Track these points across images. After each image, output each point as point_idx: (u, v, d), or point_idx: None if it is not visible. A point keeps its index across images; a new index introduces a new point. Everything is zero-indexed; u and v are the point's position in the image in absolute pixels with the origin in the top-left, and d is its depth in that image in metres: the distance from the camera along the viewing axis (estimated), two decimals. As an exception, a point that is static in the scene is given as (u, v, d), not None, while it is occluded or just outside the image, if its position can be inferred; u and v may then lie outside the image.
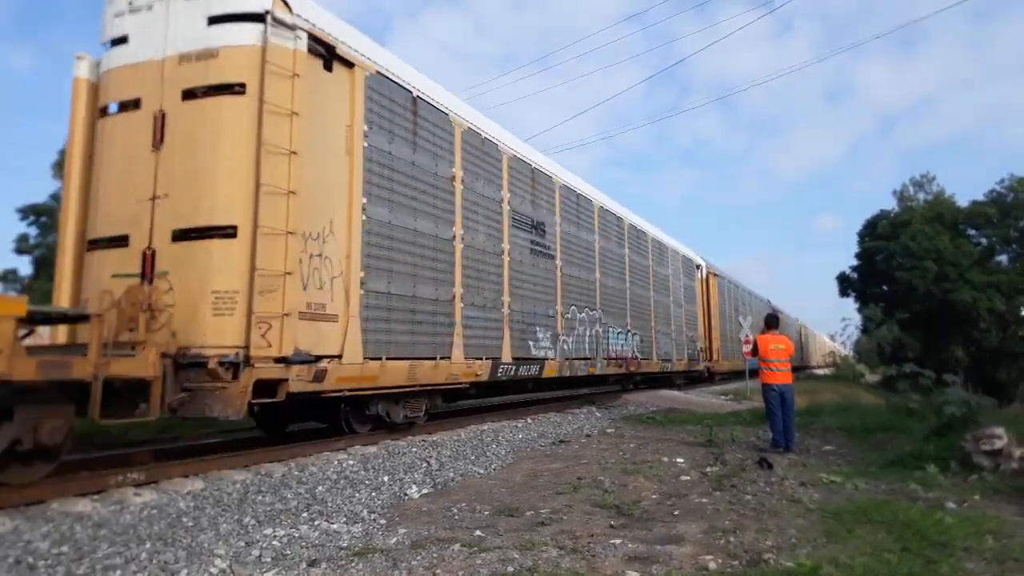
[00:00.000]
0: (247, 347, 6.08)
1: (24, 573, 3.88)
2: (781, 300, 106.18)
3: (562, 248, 12.95)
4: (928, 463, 6.95)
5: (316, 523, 5.04)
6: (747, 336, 20.78)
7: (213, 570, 4.00)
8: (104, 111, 7.10)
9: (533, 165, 12.20)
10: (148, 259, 6.43)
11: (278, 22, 6.61)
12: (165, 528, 4.74)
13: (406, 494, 6.12)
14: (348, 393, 7.45)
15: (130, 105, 6.85)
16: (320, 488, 6.07)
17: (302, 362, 6.53)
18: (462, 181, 9.65)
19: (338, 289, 7.18)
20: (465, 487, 6.50)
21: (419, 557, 4.18)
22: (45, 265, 23.94)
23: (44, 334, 6.95)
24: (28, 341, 5.66)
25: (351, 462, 7.03)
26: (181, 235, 6.37)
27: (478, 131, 10.30)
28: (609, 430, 11.06)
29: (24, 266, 28.87)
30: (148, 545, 4.35)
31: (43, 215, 25.77)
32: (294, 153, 6.53)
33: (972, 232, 43.14)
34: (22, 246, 26.48)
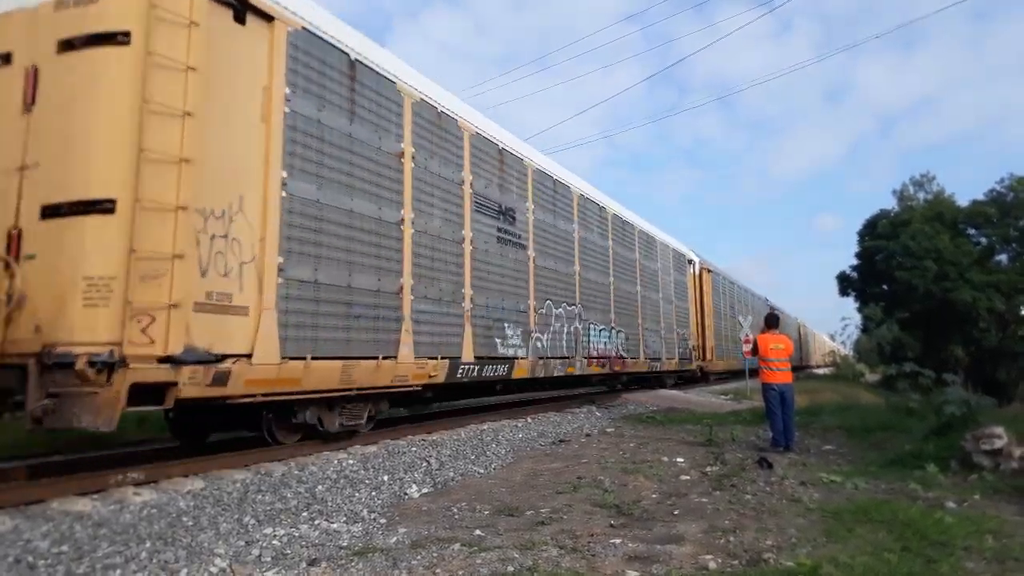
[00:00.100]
0: (122, 344, 5.11)
1: (24, 572, 3.88)
2: (781, 299, 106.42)
3: (535, 237, 11.75)
4: (928, 463, 6.97)
5: (316, 522, 5.04)
6: (747, 335, 20.79)
7: (213, 569, 4.01)
8: None
9: (501, 145, 10.88)
10: (14, 240, 5.44)
11: None
12: (165, 527, 4.73)
13: (406, 493, 6.13)
14: (263, 399, 6.37)
15: None
16: (320, 487, 6.07)
17: (197, 362, 5.51)
18: (413, 159, 8.49)
19: (249, 277, 6.13)
20: (465, 486, 6.51)
21: (419, 556, 4.18)
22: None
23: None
24: None
25: (351, 461, 7.03)
26: (51, 211, 5.36)
27: (433, 104, 9.11)
28: (609, 429, 11.08)
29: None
30: (148, 544, 4.35)
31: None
32: (188, 115, 5.61)
33: (972, 232, 43.10)
34: None
